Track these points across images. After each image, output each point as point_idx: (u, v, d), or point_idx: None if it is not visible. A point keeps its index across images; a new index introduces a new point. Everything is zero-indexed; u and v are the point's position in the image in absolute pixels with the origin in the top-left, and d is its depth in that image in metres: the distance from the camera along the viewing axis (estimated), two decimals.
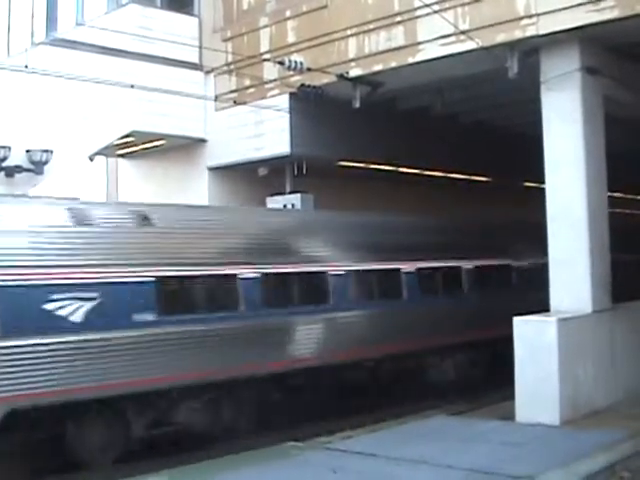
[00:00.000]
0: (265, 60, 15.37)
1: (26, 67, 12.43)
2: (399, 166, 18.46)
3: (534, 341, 11.03)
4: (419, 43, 13.34)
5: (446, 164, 19.17)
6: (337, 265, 13.14)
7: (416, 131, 17.58)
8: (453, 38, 12.68)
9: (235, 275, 11.54)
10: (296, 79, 14.84)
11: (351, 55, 14.43)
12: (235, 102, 15.75)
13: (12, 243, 9.65)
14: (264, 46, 15.99)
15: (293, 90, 15.02)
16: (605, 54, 12.43)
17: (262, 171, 17.04)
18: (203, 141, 17.47)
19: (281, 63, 14.19)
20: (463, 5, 12.72)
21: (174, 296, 11.07)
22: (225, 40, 16.78)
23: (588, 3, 11.30)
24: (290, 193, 16.42)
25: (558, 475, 8.22)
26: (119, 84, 13.56)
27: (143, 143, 17.89)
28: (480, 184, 21.27)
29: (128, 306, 10.18)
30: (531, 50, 12.35)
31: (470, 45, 12.32)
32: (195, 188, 17.48)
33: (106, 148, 17.58)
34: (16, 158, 15.95)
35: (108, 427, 10.25)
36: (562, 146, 12.04)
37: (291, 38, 15.50)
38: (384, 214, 15.52)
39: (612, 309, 12.27)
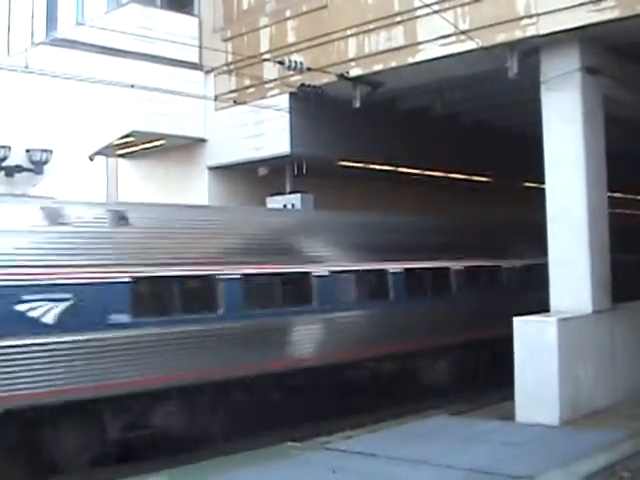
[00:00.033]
0: (265, 60, 15.36)
1: (26, 67, 12.44)
2: (399, 166, 18.46)
3: (534, 341, 11.03)
4: (419, 43, 13.34)
5: (446, 164, 19.17)
6: (322, 266, 12.90)
7: (416, 131, 17.58)
8: (453, 38, 12.67)
9: (214, 276, 11.33)
10: (296, 79, 14.84)
11: (351, 55, 14.43)
12: (235, 102, 15.75)
13: None
14: (264, 46, 15.98)
15: (293, 90, 15.02)
16: (605, 54, 12.43)
17: (262, 171, 17.03)
18: (203, 141, 17.47)
19: (281, 63, 14.19)
20: (463, 5, 12.72)
21: (150, 297, 10.88)
22: (225, 40, 16.78)
23: (588, 3, 11.30)
24: (290, 193, 16.41)
25: (558, 475, 8.22)
26: (119, 84, 13.56)
27: (143, 143, 17.89)
28: (480, 184, 21.26)
29: (102, 307, 9.95)
30: (531, 50, 12.35)
31: (470, 45, 12.32)
32: (195, 188, 17.47)
33: (106, 148, 17.58)
34: (16, 158, 15.95)
35: (83, 431, 10.01)
36: (562, 146, 12.04)
37: (291, 38, 15.50)
38: (373, 214, 15.39)
39: (612, 309, 12.27)
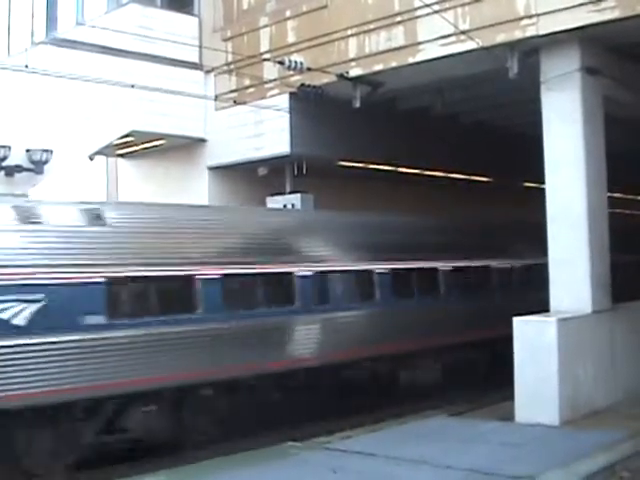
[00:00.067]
0: (265, 60, 15.36)
1: (26, 67, 12.43)
2: (399, 166, 18.45)
3: (534, 341, 11.03)
4: (419, 43, 13.34)
5: (446, 164, 19.16)
6: (304, 266, 12.63)
7: (416, 131, 17.57)
8: (453, 38, 12.67)
9: (193, 276, 11.06)
10: (296, 79, 14.84)
11: (351, 55, 14.43)
12: (235, 102, 15.75)
13: None
14: (264, 46, 15.98)
15: (293, 90, 15.02)
16: (605, 54, 12.43)
17: (262, 171, 17.03)
18: (203, 141, 17.47)
19: (281, 63, 14.19)
20: (463, 5, 12.72)
21: (126, 298, 10.62)
22: (225, 40, 16.78)
23: (588, 3, 11.30)
24: (290, 193, 16.41)
25: (558, 475, 8.22)
26: (119, 84, 13.56)
27: (143, 143, 17.89)
28: (480, 184, 21.25)
29: (75, 308, 9.70)
30: (531, 50, 12.35)
31: (470, 45, 12.32)
32: (195, 188, 17.47)
33: (106, 148, 17.57)
34: (16, 157, 15.92)
35: (57, 434, 9.78)
36: (562, 146, 12.04)
37: (291, 38, 15.50)
38: (359, 213, 15.24)
39: (612, 309, 12.27)
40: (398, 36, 13.65)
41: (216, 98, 16.24)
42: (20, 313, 9.29)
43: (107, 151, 18.42)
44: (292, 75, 14.81)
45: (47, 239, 9.98)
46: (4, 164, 15.82)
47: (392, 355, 13.70)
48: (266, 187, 16.70)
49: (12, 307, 9.24)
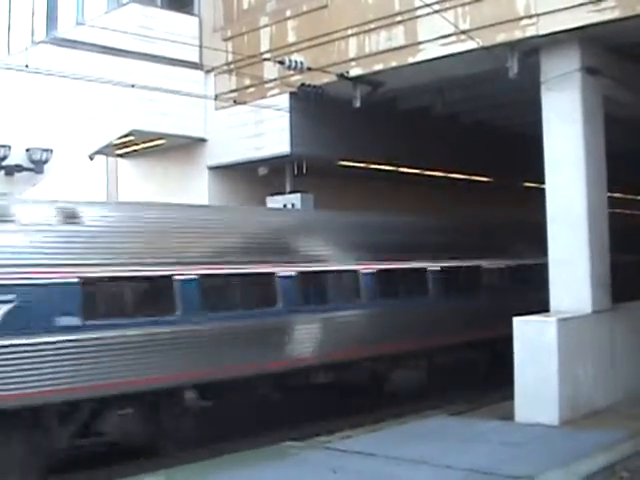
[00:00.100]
0: (265, 59, 15.36)
1: (26, 66, 12.43)
2: (399, 166, 18.45)
3: (534, 341, 11.03)
4: (419, 43, 13.34)
5: (446, 164, 19.16)
6: (286, 266, 12.28)
7: (416, 131, 17.57)
8: (453, 38, 12.68)
9: (170, 276, 10.76)
10: (296, 79, 14.85)
11: (351, 55, 14.43)
12: (235, 101, 15.75)
13: None
14: (264, 45, 15.98)
15: (293, 90, 15.03)
16: (605, 54, 12.43)
17: (262, 171, 17.03)
18: (203, 140, 17.47)
19: (281, 62, 14.20)
20: (463, 5, 12.72)
21: (102, 299, 10.32)
22: (225, 39, 16.78)
23: (588, 3, 11.30)
24: (290, 193, 16.42)
25: (558, 475, 8.22)
26: (119, 83, 13.57)
27: (143, 142, 17.89)
28: (480, 184, 21.26)
29: (49, 309, 9.42)
30: (531, 50, 12.35)
31: (470, 45, 12.32)
32: (195, 187, 17.48)
33: (106, 147, 17.58)
34: (16, 157, 15.93)
35: (28, 439, 9.49)
36: (562, 146, 12.04)
37: (291, 38, 15.50)
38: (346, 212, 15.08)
39: (612, 309, 12.27)
40: (398, 36, 13.65)
41: (216, 98, 16.25)
42: None
43: (107, 151, 18.43)
44: (292, 75, 14.82)
45: (19, 238, 9.73)
46: (4, 163, 15.82)
47: (377, 357, 13.42)
48: (266, 187, 16.71)
49: None
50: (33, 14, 18.84)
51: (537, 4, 11.92)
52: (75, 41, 16.13)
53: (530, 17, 11.99)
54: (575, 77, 11.93)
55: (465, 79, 14.58)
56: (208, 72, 16.94)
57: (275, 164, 16.73)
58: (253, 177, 17.08)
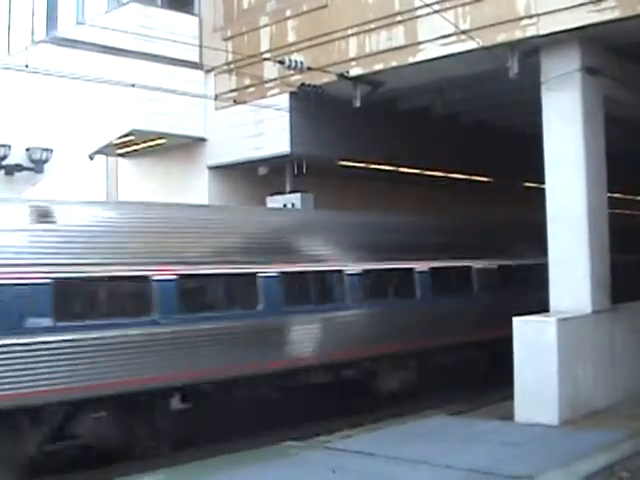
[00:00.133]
0: (265, 59, 15.36)
1: (26, 66, 12.43)
2: (399, 166, 18.45)
3: (534, 341, 11.03)
4: (420, 43, 13.34)
5: (446, 164, 19.16)
6: (268, 267, 11.98)
7: (416, 131, 17.58)
8: (454, 38, 12.68)
9: (147, 277, 10.52)
10: (296, 78, 14.85)
11: (351, 54, 14.43)
12: (235, 101, 15.75)
13: None
14: (264, 45, 15.98)
15: (293, 89, 15.03)
16: (606, 54, 12.43)
17: (262, 170, 17.03)
18: (203, 140, 17.47)
19: (281, 62, 14.20)
20: (464, 5, 12.72)
21: (75, 300, 10.12)
22: (225, 39, 16.78)
23: (589, 3, 11.30)
24: (290, 192, 16.42)
25: (557, 475, 8.22)
26: (119, 83, 13.56)
27: (143, 142, 17.88)
28: (480, 184, 21.26)
29: (19, 310, 9.23)
30: (531, 50, 12.35)
31: (471, 45, 12.32)
32: (195, 187, 17.48)
33: (106, 147, 17.58)
34: (16, 156, 15.93)
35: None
36: (562, 146, 12.04)
37: (291, 37, 15.50)
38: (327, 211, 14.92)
39: (612, 309, 12.26)
40: (398, 36, 13.65)
41: (216, 97, 16.25)
42: None
43: (107, 150, 18.43)
44: (292, 75, 14.82)
45: None
46: (4, 163, 15.83)
47: (362, 359, 13.22)
48: (266, 187, 16.71)
49: None
50: (33, 14, 18.84)
51: (537, 4, 11.92)
52: (75, 41, 16.13)
53: (530, 17, 11.99)
54: (575, 77, 11.93)
55: (465, 79, 14.57)
56: (208, 72, 16.94)
57: (275, 164, 16.73)
58: (253, 177, 17.08)
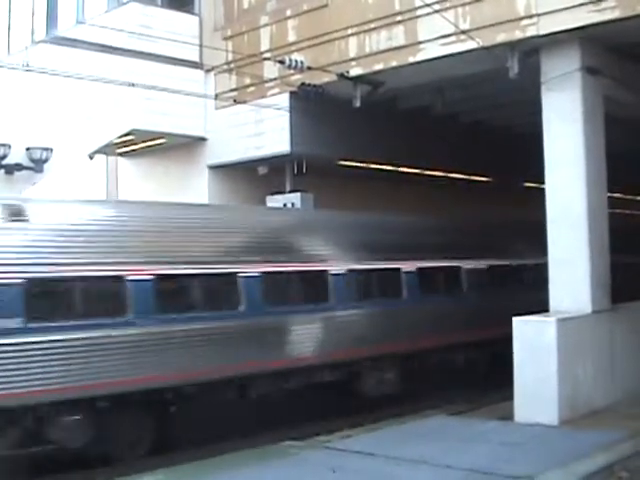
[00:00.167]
0: (265, 59, 15.36)
1: (26, 65, 12.42)
2: (399, 166, 18.46)
3: (533, 341, 11.03)
4: (420, 42, 13.34)
5: (446, 164, 19.17)
6: (248, 267, 11.74)
7: (416, 131, 17.58)
8: (454, 38, 12.68)
9: (122, 277, 10.29)
10: (296, 78, 14.85)
11: (352, 54, 14.43)
12: (235, 101, 15.75)
13: None
14: (264, 45, 15.98)
15: (293, 89, 15.03)
16: (606, 54, 12.43)
17: (262, 170, 17.04)
18: (203, 140, 17.47)
19: (281, 62, 14.19)
20: (464, 5, 12.72)
21: (48, 300, 9.86)
22: (225, 39, 16.78)
23: (589, 3, 11.30)
24: (290, 192, 16.42)
25: (557, 475, 8.22)
26: (120, 82, 13.55)
27: (143, 141, 17.89)
28: (480, 184, 21.27)
29: None
30: (531, 50, 12.35)
31: (471, 45, 12.33)
32: (195, 187, 17.48)
33: (106, 146, 17.58)
34: (16, 156, 15.93)
35: None
36: (562, 146, 12.04)
37: (292, 37, 15.50)
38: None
39: (611, 309, 12.27)
40: (398, 35, 13.65)
41: (216, 97, 16.26)
42: None
43: (107, 150, 18.43)
44: (292, 74, 14.81)
45: None
46: (4, 162, 15.84)
47: (347, 362, 12.98)
48: (266, 186, 16.71)
49: None
50: (33, 13, 18.84)
51: (537, 4, 11.92)
52: (75, 40, 16.13)
53: (530, 17, 11.99)
54: (575, 77, 11.93)
55: (465, 79, 14.57)
56: (208, 71, 16.94)
57: (275, 163, 16.73)
58: (253, 176, 17.09)
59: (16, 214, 9.96)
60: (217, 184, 17.57)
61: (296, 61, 14.09)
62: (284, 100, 15.56)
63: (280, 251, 12.69)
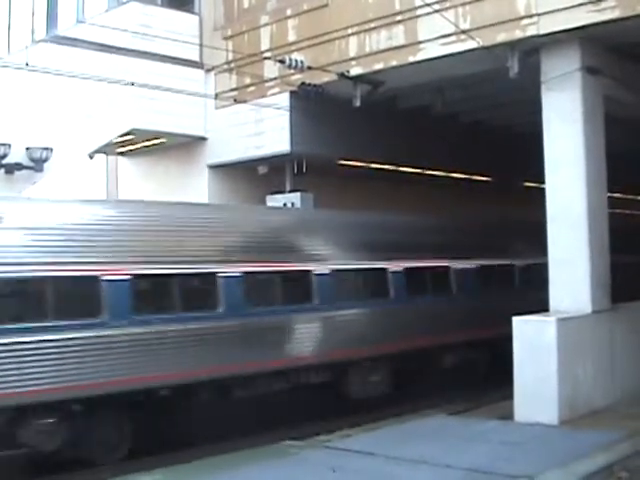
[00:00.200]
0: (266, 58, 15.36)
1: (27, 65, 12.42)
2: (399, 165, 18.46)
3: (533, 341, 11.04)
4: (420, 42, 13.34)
5: (446, 163, 19.16)
6: (227, 266, 11.55)
7: (416, 130, 17.58)
8: (454, 37, 12.68)
9: (97, 277, 10.13)
10: (296, 77, 14.85)
11: (352, 54, 14.43)
12: (235, 100, 15.75)
13: None
14: (265, 44, 15.98)
15: (293, 88, 15.03)
16: (606, 54, 12.43)
17: (262, 169, 17.04)
18: (203, 139, 17.47)
19: (282, 61, 14.19)
20: (464, 4, 12.72)
21: (20, 300, 9.82)
22: (226, 38, 16.78)
23: (589, 3, 11.30)
24: (290, 192, 16.42)
25: (556, 475, 8.22)
26: (119, 82, 13.55)
27: (143, 141, 17.89)
28: (480, 184, 21.26)
29: None
30: (532, 50, 12.35)
31: (471, 44, 12.32)
32: (195, 186, 17.48)
33: (106, 146, 17.58)
34: (16, 155, 15.93)
35: None
36: (562, 146, 12.04)
37: (292, 36, 15.50)
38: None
39: (611, 309, 12.27)
40: (399, 35, 13.65)
41: (216, 96, 16.26)
42: None
43: (107, 149, 18.43)
44: (292, 74, 14.81)
45: None
46: (4, 162, 15.84)
47: (333, 363, 12.85)
48: (266, 185, 16.71)
49: None
50: (33, 13, 18.83)
51: (537, 4, 11.92)
52: (75, 39, 16.13)
53: (530, 17, 11.99)
54: (575, 77, 11.93)
55: (465, 79, 14.57)
56: (208, 71, 16.94)
57: (275, 163, 16.73)
58: (253, 176, 17.09)
59: None
60: (217, 184, 17.57)
61: (296, 61, 14.08)
62: (284, 100, 15.56)
63: (263, 251, 12.45)
